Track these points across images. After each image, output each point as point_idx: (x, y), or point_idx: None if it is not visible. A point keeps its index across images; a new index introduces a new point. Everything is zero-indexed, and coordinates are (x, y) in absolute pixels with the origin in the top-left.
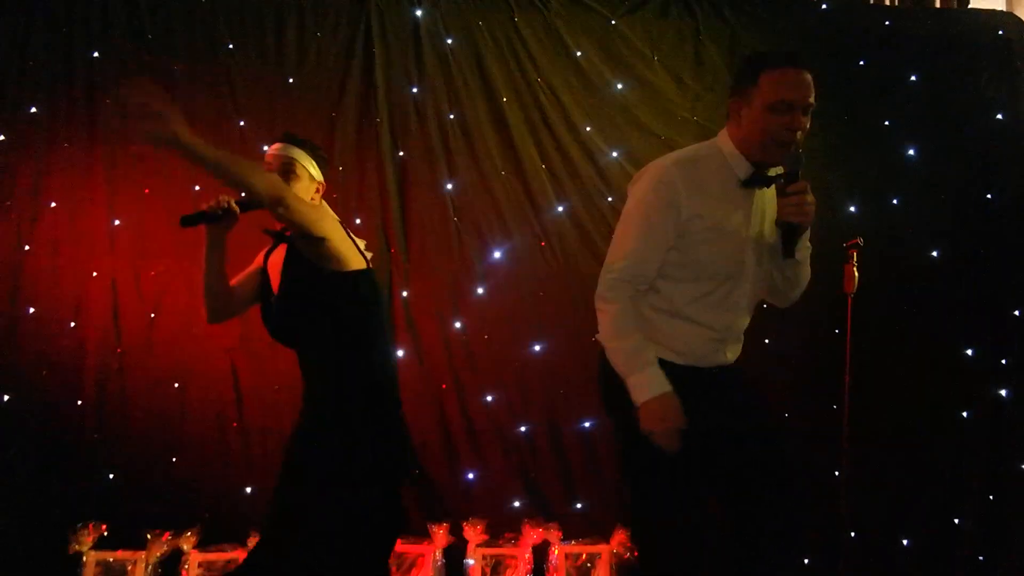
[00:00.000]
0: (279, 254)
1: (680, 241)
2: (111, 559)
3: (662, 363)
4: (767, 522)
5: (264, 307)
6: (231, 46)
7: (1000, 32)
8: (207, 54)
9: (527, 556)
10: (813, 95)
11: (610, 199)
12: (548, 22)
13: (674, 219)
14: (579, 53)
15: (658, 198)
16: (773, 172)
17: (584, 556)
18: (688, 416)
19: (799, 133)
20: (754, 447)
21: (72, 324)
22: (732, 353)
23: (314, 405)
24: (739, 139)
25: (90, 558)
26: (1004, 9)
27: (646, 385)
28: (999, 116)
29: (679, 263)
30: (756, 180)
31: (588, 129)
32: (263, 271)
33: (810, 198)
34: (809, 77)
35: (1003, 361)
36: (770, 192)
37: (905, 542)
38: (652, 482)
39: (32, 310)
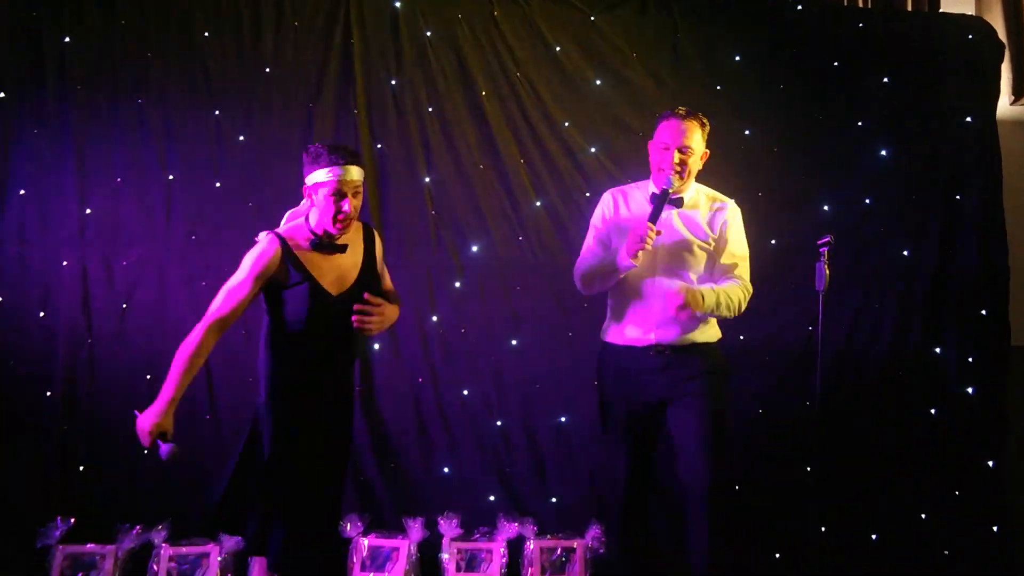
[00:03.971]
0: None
1: None
2: (80, 552)
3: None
4: None
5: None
6: (207, 34)
7: (970, 36)
8: (182, 42)
9: (502, 550)
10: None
11: (588, 194)
12: (527, 17)
13: None
14: (558, 48)
15: None
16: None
17: (559, 550)
18: None
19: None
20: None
21: (41, 314)
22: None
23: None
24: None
25: (59, 551)
26: (973, 13)
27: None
28: (968, 119)
29: None
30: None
31: (567, 124)
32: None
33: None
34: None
35: (970, 359)
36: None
37: (874, 537)
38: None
39: None
